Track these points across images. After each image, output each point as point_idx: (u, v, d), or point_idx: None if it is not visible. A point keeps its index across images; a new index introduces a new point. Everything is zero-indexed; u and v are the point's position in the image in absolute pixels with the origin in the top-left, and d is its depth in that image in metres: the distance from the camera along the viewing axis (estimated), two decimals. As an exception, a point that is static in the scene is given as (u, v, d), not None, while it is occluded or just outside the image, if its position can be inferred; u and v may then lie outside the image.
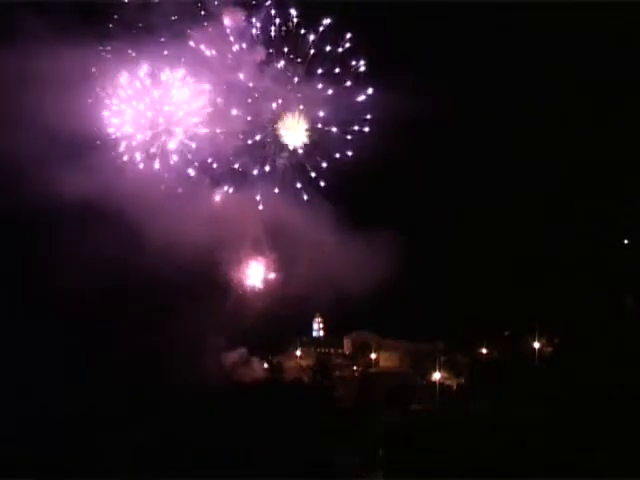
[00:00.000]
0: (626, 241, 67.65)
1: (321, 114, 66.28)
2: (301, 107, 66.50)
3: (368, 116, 66.63)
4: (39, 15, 59.98)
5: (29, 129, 60.62)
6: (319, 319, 72.30)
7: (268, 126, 67.10)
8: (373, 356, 68.07)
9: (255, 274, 68.22)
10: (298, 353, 69.76)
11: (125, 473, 46.39)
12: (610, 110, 65.61)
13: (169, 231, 61.40)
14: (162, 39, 63.49)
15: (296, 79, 66.03)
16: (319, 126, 66.97)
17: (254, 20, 65.08)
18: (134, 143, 64.59)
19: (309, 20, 65.01)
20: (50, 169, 60.06)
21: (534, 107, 66.63)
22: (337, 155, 67.02)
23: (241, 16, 64.96)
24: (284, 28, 65.34)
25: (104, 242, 60.93)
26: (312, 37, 65.07)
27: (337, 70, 65.79)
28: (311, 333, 72.36)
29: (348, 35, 64.79)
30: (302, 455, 47.97)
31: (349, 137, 66.96)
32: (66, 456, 47.16)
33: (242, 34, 65.19)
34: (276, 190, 66.46)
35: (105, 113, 63.68)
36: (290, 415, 52.81)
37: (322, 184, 67.18)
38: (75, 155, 62.14)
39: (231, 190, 66.05)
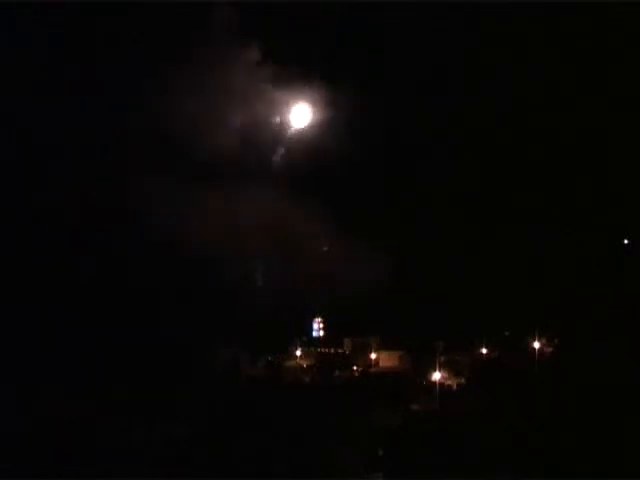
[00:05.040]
0: (626, 241, 67.68)
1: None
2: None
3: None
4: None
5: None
6: (319, 319, 72.35)
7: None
8: (373, 356, 68.08)
9: (255, 274, 68.40)
10: (298, 353, 69.78)
11: (120, 473, 46.20)
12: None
13: (167, 230, 61.58)
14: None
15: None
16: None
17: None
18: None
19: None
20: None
21: (531, 107, 66.93)
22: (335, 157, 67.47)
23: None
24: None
25: (105, 242, 61.27)
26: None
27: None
28: (311, 333, 72.41)
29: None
30: (301, 455, 47.93)
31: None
32: (65, 456, 47.08)
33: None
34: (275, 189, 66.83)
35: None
36: (289, 415, 52.79)
37: (321, 185, 67.55)
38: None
39: (228, 189, 66.29)
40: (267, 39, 65.91)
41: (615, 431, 46.00)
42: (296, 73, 66.91)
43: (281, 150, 68.39)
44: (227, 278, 65.78)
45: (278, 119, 68.39)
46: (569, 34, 64.06)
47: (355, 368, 67.35)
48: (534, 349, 64.15)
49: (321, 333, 72.57)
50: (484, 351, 66.73)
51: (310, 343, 71.30)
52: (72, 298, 59.71)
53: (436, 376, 60.97)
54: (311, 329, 72.41)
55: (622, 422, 46.67)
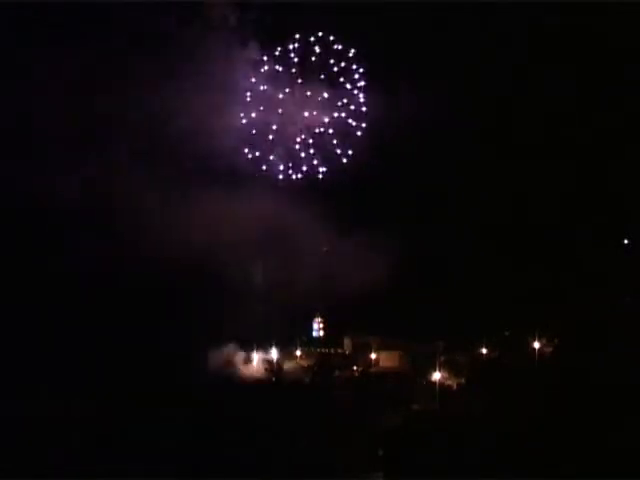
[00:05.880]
0: (626, 241, 67.60)
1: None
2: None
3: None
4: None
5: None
6: (319, 319, 72.24)
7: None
8: (373, 356, 68.00)
9: (255, 274, 68.33)
10: (298, 353, 69.75)
11: (116, 474, 46.15)
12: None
13: (168, 230, 61.56)
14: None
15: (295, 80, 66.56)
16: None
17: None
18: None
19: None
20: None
21: (534, 108, 66.88)
22: (335, 156, 67.34)
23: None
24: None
25: (103, 241, 61.27)
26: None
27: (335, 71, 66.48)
28: (311, 333, 72.32)
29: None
30: (302, 455, 47.92)
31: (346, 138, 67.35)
32: (59, 456, 47.05)
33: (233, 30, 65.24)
34: (274, 189, 66.79)
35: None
36: (289, 415, 52.77)
37: (320, 184, 67.55)
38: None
39: (228, 189, 66.14)
40: (267, 38, 66.13)
41: (615, 431, 46.02)
42: (296, 73, 67.05)
43: (281, 150, 68.28)
44: (225, 278, 65.76)
45: (277, 119, 68.29)
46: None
47: (355, 368, 67.29)
48: (534, 349, 64.08)
49: (321, 333, 72.45)
50: (484, 351, 66.63)
51: (310, 343, 71.22)
52: (70, 299, 59.71)
53: (436, 376, 60.95)
54: (311, 329, 72.33)
55: (622, 422, 46.69)
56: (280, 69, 66.21)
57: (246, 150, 66.09)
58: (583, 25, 63.99)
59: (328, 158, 66.95)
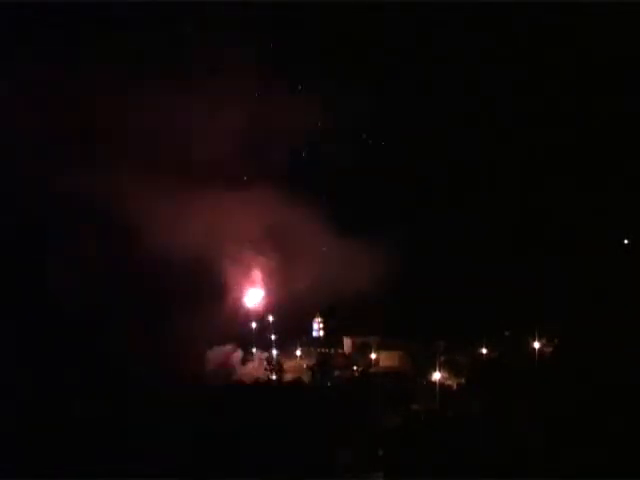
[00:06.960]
0: (626, 241, 67.67)
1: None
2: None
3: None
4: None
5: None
6: (319, 319, 72.37)
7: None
8: (373, 356, 68.09)
9: (255, 275, 68.45)
10: (298, 353, 69.83)
11: (116, 474, 46.08)
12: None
13: (167, 232, 61.66)
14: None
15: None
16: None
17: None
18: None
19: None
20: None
21: (533, 108, 67.03)
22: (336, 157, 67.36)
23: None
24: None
25: (104, 242, 61.36)
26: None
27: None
28: (311, 333, 72.43)
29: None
30: (302, 455, 47.90)
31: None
32: (60, 456, 47.06)
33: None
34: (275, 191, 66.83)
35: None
36: (289, 415, 52.76)
37: (321, 185, 67.63)
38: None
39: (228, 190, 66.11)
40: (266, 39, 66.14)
41: (616, 431, 46.03)
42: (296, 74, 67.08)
43: (281, 150, 68.29)
44: (225, 278, 65.92)
45: (278, 120, 68.22)
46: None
47: (355, 368, 67.34)
48: (534, 349, 64.11)
49: (321, 333, 72.58)
50: (484, 351, 66.70)
51: (310, 343, 71.35)
52: (69, 298, 59.78)
53: (436, 376, 60.99)
54: (311, 329, 72.43)
55: (622, 422, 46.70)
56: (272, 68, 64.15)
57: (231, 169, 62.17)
58: (583, 25, 64.12)
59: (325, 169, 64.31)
